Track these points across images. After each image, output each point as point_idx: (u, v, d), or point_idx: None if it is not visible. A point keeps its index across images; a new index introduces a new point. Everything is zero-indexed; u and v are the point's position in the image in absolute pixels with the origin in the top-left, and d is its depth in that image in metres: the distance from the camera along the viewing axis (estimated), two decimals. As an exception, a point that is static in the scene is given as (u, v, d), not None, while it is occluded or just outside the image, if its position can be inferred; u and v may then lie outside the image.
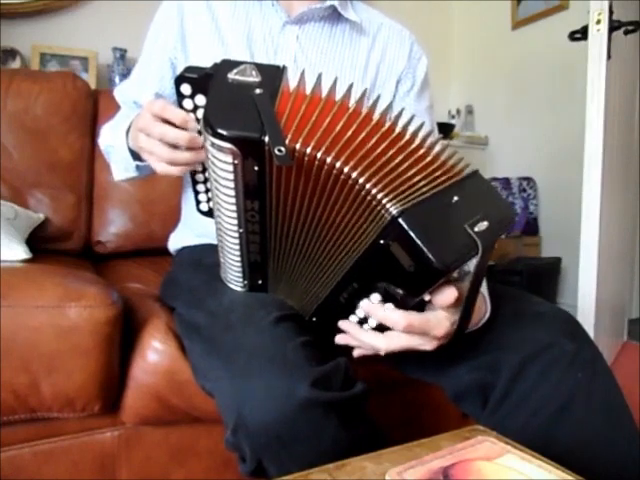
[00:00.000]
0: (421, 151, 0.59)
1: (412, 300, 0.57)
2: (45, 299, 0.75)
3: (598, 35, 1.66)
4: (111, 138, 0.90)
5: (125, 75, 2.04)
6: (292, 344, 0.60)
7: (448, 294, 0.58)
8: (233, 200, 0.60)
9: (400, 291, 0.57)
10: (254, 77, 0.60)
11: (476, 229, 0.54)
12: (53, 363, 0.75)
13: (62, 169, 1.41)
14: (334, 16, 0.92)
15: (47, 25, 2.07)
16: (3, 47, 1.94)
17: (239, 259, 0.67)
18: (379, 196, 0.54)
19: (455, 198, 0.56)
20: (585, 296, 1.73)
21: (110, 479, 0.86)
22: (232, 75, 0.60)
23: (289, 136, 0.55)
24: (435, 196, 0.55)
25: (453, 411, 0.95)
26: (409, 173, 0.56)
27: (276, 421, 0.56)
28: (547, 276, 2.46)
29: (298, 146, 0.55)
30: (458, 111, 3.05)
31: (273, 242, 0.64)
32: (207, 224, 0.84)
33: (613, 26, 1.67)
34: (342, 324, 0.65)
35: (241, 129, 0.55)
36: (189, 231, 1.00)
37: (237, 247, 0.65)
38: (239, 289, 0.71)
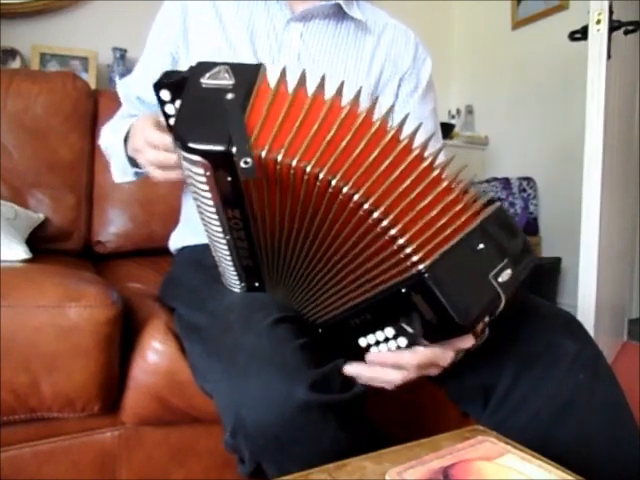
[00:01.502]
0: (434, 174, 0.54)
1: (426, 343, 0.56)
2: (45, 299, 0.75)
3: (598, 35, 1.66)
4: (111, 141, 0.91)
5: (125, 75, 2.03)
6: (291, 346, 0.60)
7: (466, 341, 0.58)
8: (213, 209, 0.58)
9: (414, 331, 0.55)
10: (227, 80, 0.56)
11: (500, 279, 0.52)
12: (53, 363, 0.75)
13: (62, 169, 1.41)
14: (339, 14, 0.92)
15: (47, 25, 2.07)
16: (3, 47, 1.94)
17: (232, 263, 0.66)
18: (403, 243, 0.50)
19: (480, 245, 0.52)
20: (585, 296, 1.73)
21: (110, 479, 0.86)
22: (205, 80, 0.57)
23: (267, 146, 0.51)
24: (460, 243, 0.51)
25: (453, 411, 0.95)
26: (429, 210, 0.52)
27: (275, 423, 0.56)
28: (547, 276, 2.46)
29: (280, 157, 0.51)
30: (458, 111, 3.05)
31: (263, 250, 0.63)
32: None
33: (613, 26, 1.67)
34: (348, 369, 0.62)
35: (208, 142, 0.52)
36: (189, 230, 1.00)
37: (227, 252, 0.64)
38: (237, 291, 0.71)
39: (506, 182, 2.69)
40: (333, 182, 0.50)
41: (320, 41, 0.91)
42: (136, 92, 0.95)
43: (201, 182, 0.55)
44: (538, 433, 0.64)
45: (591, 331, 1.61)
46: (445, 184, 0.54)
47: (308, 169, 0.50)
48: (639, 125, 2.20)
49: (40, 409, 0.77)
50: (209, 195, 0.56)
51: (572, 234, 1.92)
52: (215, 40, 0.89)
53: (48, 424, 0.82)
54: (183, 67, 0.89)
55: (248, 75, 0.57)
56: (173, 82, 0.61)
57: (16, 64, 1.96)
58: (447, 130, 2.76)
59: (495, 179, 2.74)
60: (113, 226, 1.47)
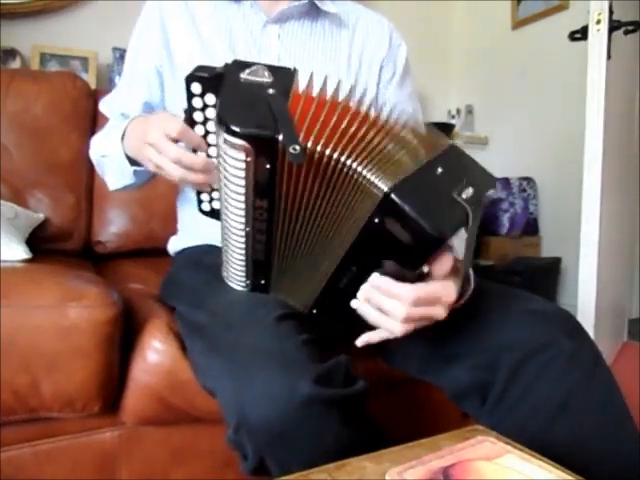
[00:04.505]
0: (402, 133, 0.62)
1: (412, 273, 0.59)
2: (45, 299, 0.75)
3: (598, 35, 1.66)
4: (104, 148, 0.90)
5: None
6: (293, 342, 0.61)
7: (446, 262, 0.60)
8: (242, 198, 0.60)
9: (399, 266, 0.58)
10: (266, 78, 0.61)
11: (464, 196, 0.57)
12: (53, 363, 0.75)
13: (62, 169, 1.41)
14: (313, 11, 0.93)
15: (47, 25, 2.07)
16: (3, 47, 1.94)
17: (243, 258, 0.67)
18: (370, 177, 0.56)
19: (439, 170, 0.58)
20: (585, 296, 1.73)
21: (110, 479, 0.86)
22: (244, 75, 0.61)
23: (301, 135, 0.57)
24: (421, 170, 0.57)
25: (453, 411, 0.95)
26: (394, 152, 0.59)
27: (278, 419, 0.56)
28: (547, 276, 2.46)
29: (310, 144, 0.57)
30: (458, 111, 3.04)
31: (279, 240, 0.65)
32: (203, 227, 0.84)
33: (613, 26, 1.67)
34: (361, 293, 0.64)
35: (255, 127, 0.56)
36: (188, 236, 0.99)
37: (242, 246, 0.65)
38: (241, 289, 0.71)
39: (506, 182, 2.69)
40: (342, 159, 0.57)
41: (298, 41, 0.92)
42: (121, 109, 0.94)
43: (238, 168, 0.58)
44: (536, 431, 0.64)
45: (591, 331, 1.61)
46: (410, 136, 0.62)
47: (327, 152, 0.57)
48: (639, 125, 2.20)
49: (40, 409, 0.77)
50: (242, 183, 0.59)
51: (572, 234, 1.92)
52: (193, 46, 0.88)
53: (48, 424, 0.82)
54: (168, 80, 0.91)
55: (285, 76, 0.62)
56: (207, 76, 0.64)
57: (16, 64, 1.96)
58: (447, 130, 2.76)
59: (495, 179, 2.73)
60: (113, 226, 1.47)
